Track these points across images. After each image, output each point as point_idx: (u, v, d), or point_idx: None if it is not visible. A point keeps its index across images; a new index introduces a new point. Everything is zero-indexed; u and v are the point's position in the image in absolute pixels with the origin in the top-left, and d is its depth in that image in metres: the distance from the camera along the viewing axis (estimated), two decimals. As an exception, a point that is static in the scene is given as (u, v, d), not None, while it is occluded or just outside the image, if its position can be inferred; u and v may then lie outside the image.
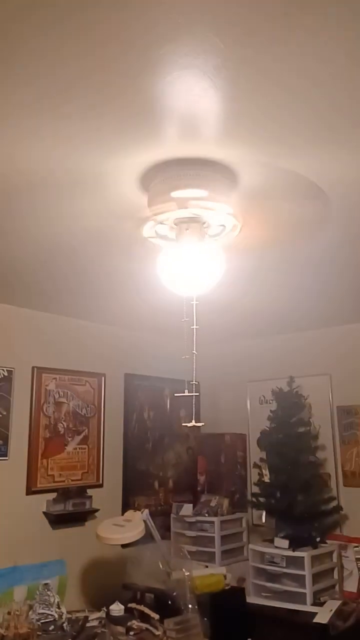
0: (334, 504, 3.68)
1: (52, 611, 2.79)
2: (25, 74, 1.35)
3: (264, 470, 3.71)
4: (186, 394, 2.08)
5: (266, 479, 3.68)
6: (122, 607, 2.87)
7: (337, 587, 3.43)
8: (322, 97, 1.44)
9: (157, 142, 1.64)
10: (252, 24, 1.19)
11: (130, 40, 1.24)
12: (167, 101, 1.45)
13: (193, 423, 2.10)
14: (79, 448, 3.69)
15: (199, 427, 2.16)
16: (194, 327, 2.07)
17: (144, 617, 2.82)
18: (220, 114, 1.52)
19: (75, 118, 1.52)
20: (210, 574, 3.31)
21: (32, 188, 1.92)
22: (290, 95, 1.43)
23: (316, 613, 3.08)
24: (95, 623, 2.78)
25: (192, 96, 1.43)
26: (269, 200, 2.03)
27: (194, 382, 2.10)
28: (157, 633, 2.71)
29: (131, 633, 2.69)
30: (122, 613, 2.84)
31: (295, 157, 1.73)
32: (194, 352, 2.09)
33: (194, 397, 2.12)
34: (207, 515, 3.85)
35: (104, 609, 2.88)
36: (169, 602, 2.91)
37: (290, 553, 3.35)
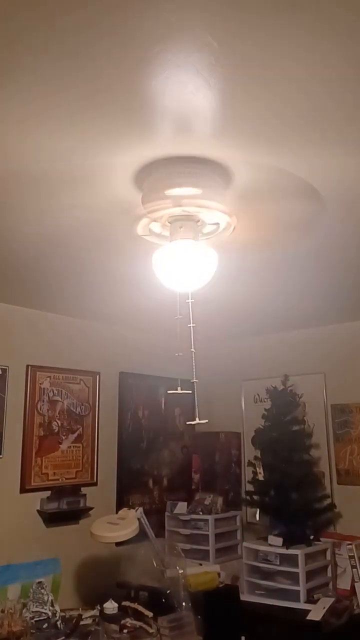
0: (327, 502, 3.69)
1: (45, 609, 2.79)
2: (20, 73, 1.34)
3: (258, 469, 3.71)
4: (179, 391, 2.08)
5: (260, 477, 3.69)
6: (116, 605, 2.87)
7: (330, 585, 3.45)
8: (316, 96, 1.44)
9: (151, 140, 1.64)
10: (246, 23, 1.20)
11: (124, 39, 1.24)
12: (161, 99, 1.45)
13: (197, 421, 2.10)
14: (74, 446, 3.69)
15: (202, 424, 2.16)
16: (191, 325, 2.06)
17: (138, 615, 2.82)
18: (214, 113, 1.52)
19: (68, 116, 1.52)
20: (204, 572, 3.32)
21: (26, 185, 1.92)
22: (283, 94, 1.44)
23: (309, 610, 3.09)
24: (89, 621, 2.78)
25: (186, 94, 1.43)
26: (263, 199, 2.03)
27: (194, 380, 2.10)
28: (150, 631, 2.71)
29: (125, 631, 2.70)
30: (115, 611, 2.85)
31: (289, 155, 1.74)
32: (192, 350, 2.09)
33: (195, 395, 2.12)
34: (201, 513, 3.86)
35: (98, 607, 2.88)
36: (163, 600, 2.92)
37: (284, 551, 3.36)
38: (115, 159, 1.74)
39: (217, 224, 2.00)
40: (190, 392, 2.15)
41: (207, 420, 2.21)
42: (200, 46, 1.26)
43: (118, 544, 3.25)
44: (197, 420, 2.14)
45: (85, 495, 3.60)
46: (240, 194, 1.97)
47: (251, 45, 1.26)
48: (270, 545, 3.44)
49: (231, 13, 1.17)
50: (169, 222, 1.95)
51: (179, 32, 1.22)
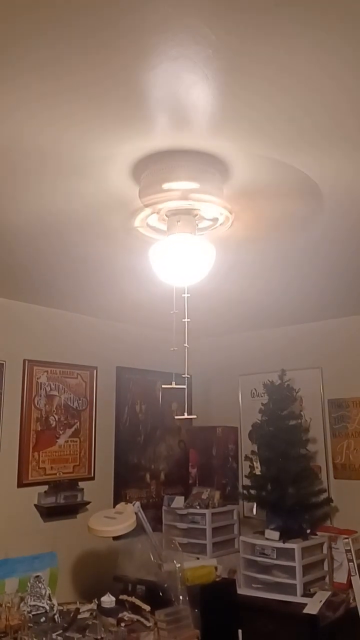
0: (324, 496, 3.70)
1: (43, 603, 2.79)
2: (15, 60, 1.33)
3: (255, 463, 3.72)
4: (173, 385, 2.08)
5: (257, 471, 3.70)
6: (114, 598, 2.88)
7: (327, 579, 3.46)
8: (314, 89, 1.43)
9: (148, 133, 1.63)
10: (244, 15, 1.19)
11: (121, 30, 1.23)
12: (158, 92, 1.44)
13: (185, 415, 2.11)
14: (71, 441, 3.69)
15: (190, 419, 2.15)
16: (186, 320, 2.06)
17: (135, 609, 2.83)
18: (211, 106, 1.51)
19: (64, 109, 1.51)
20: (202, 566, 3.33)
21: (21, 178, 1.91)
22: (282, 87, 1.43)
23: (306, 604, 3.10)
24: (86, 615, 2.79)
25: (184, 87, 1.42)
26: (261, 193, 2.03)
27: (186, 375, 2.10)
28: (148, 624, 2.72)
29: (122, 624, 2.70)
30: (113, 605, 2.85)
31: (287, 149, 1.73)
32: (186, 345, 2.09)
33: (185, 389, 2.12)
34: (198, 507, 3.86)
35: (95, 600, 2.88)
36: (160, 594, 2.93)
37: (280, 545, 3.37)
38: (112, 151, 1.73)
39: (215, 218, 2.00)
40: (184, 386, 2.15)
41: (195, 416, 2.20)
42: (198, 38, 1.25)
43: (115, 538, 3.25)
44: (186, 415, 2.14)
45: (82, 489, 3.61)
46: (239, 188, 1.96)
47: (250, 38, 1.25)
48: (267, 539, 3.45)
49: (229, 5, 1.16)
50: (166, 216, 1.95)
51: (176, 24, 1.21)
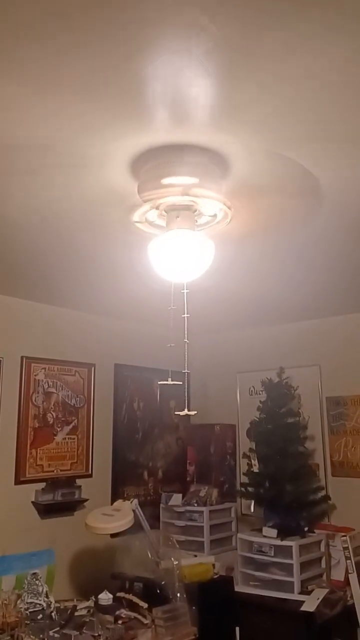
0: (322, 493, 3.70)
1: (40, 600, 2.79)
2: (19, 59, 1.32)
3: (253, 461, 3.72)
4: (170, 382, 2.07)
5: (255, 469, 3.69)
6: (111, 596, 2.88)
7: (324, 576, 3.46)
8: (316, 84, 1.42)
9: (147, 127, 1.62)
10: (245, 7, 1.17)
11: (119, 22, 1.21)
12: (157, 85, 1.43)
13: (185, 412, 2.10)
14: (68, 438, 3.68)
15: (190, 416, 2.14)
16: (185, 315, 2.05)
17: (133, 606, 2.83)
18: (211, 100, 1.50)
19: (63, 102, 1.50)
20: (199, 563, 3.33)
21: (19, 175, 1.89)
22: (283, 81, 1.41)
23: (303, 601, 3.10)
24: (83, 612, 2.78)
25: (183, 81, 1.41)
26: (260, 189, 2.02)
27: (186, 370, 2.09)
28: (145, 622, 2.72)
29: (119, 622, 2.70)
30: (110, 602, 2.85)
31: (287, 145, 1.72)
32: (186, 340, 2.08)
33: (186, 386, 2.11)
34: (196, 505, 3.86)
35: (93, 598, 2.88)
36: (158, 591, 2.93)
37: (278, 542, 3.37)
38: (111, 147, 1.71)
39: (214, 214, 1.99)
40: (180, 382, 2.14)
41: (195, 412, 2.19)
42: (198, 31, 1.24)
43: (113, 535, 3.25)
44: (186, 412, 2.13)
45: (80, 486, 3.60)
46: (238, 184, 1.95)
47: (251, 30, 1.24)
48: (264, 536, 3.45)
49: (230, -3, 1.15)
50: (165, 212, 1.93)
51: (175, 16, 1.20)
